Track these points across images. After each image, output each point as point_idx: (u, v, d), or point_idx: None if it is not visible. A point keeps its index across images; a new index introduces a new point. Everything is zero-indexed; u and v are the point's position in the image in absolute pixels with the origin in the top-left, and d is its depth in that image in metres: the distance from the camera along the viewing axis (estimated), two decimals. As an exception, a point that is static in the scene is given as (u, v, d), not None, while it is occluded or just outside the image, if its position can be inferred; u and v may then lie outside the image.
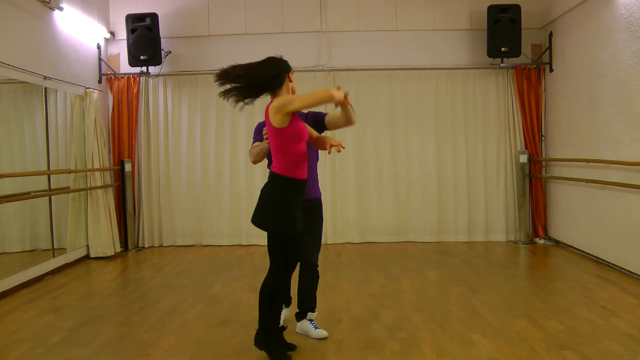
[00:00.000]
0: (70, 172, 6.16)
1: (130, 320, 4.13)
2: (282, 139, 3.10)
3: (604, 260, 5.63)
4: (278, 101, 3.07)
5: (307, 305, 3.73)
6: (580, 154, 6.12)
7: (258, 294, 3.32)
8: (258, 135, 3.61)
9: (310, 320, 3.72)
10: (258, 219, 3.16)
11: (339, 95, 3.09)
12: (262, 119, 3.68)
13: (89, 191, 6.44)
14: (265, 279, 3.27)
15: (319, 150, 3.57)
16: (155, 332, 3.82)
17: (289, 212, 3.13)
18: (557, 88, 6.81)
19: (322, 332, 3.68)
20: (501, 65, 7.02)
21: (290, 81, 3.23)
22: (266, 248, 3.33)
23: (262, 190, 3.19)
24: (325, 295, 4.61)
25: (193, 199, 7.34)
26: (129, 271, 6.04)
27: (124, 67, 7.27)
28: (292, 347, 3.45)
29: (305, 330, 3.72)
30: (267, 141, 3.32)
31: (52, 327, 3.96)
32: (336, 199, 7.24)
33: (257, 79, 3.10)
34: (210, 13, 7.32)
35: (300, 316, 3.77)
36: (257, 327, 3.31)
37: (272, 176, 3.16)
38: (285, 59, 3.23)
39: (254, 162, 3.61)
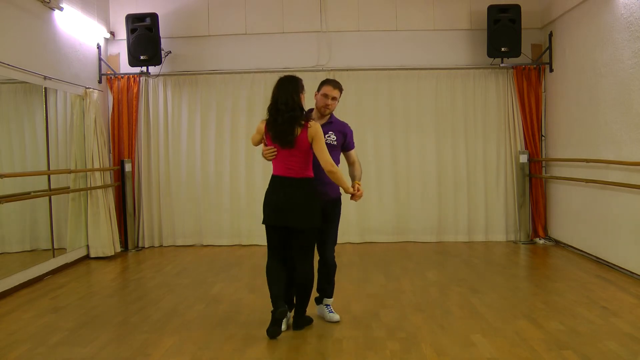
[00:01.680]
0: (70, 172, 6.16)
1: (130, 320, 4.13)
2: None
3: (604, 260, 5.63)
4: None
5: (323, 292, 4.09)
6: (580, 154, 6.12)
7: (268, 289, 3.70)
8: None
9: (327, 305, 4.07)
10: (308, 220, 3.62)
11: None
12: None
13: (89, 191, 6.44)
14: (305, 273, 3.74)
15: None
16: (155, 332, 3.82)
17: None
18: (557, 88, 6.81)
19: (335, 316, 4.01)
20: (501, 65, 7.02)
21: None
22: (266, 247, 3.80)
23: (299, 196, 3.58)
24: (325, 295, 4.61)
25: (193, 199, 7.34)
26: (129, 271, 6.04)
27: (124, 67, 7.26)
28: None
29: (321, 312, 4.10)
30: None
31: (52, 327, 3.96)
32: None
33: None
34: (210, 13, 7.32)
35: (318, 301, 4.13)
36: (269, 320, 3.67)
37: (309, 180, 3.63)
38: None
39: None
